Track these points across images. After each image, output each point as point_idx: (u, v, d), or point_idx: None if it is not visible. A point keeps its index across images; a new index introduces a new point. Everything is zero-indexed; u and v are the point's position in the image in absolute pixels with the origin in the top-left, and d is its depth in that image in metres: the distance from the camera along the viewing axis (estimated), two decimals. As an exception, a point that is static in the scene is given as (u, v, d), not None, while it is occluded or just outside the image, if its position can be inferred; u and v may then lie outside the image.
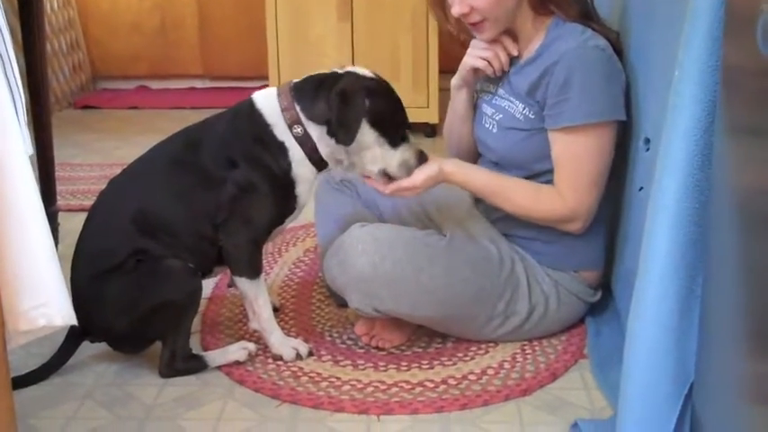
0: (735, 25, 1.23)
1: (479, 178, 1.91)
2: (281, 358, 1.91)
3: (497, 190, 1.90)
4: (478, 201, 2.07)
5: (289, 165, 1.84)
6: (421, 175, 1.86)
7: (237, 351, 1.91)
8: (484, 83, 2.05)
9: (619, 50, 1.90)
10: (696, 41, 1.34)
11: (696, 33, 1.34)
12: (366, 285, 1.84)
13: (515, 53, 1.94)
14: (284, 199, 1.86)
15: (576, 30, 1.85)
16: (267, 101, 1.86)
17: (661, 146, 1.44)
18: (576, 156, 1.84)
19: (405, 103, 1.92)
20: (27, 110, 1.67)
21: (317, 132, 1.84)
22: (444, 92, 3.89)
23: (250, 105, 1.87)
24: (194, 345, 1.96)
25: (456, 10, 1.88)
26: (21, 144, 1.27)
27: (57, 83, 4.47)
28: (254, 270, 1.88)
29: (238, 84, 4.79)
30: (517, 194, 1.89)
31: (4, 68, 1.35)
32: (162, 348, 1.86)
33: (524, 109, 1.90)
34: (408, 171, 1.86)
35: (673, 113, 1.39)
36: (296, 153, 1.84)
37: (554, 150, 1.87)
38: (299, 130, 1.83)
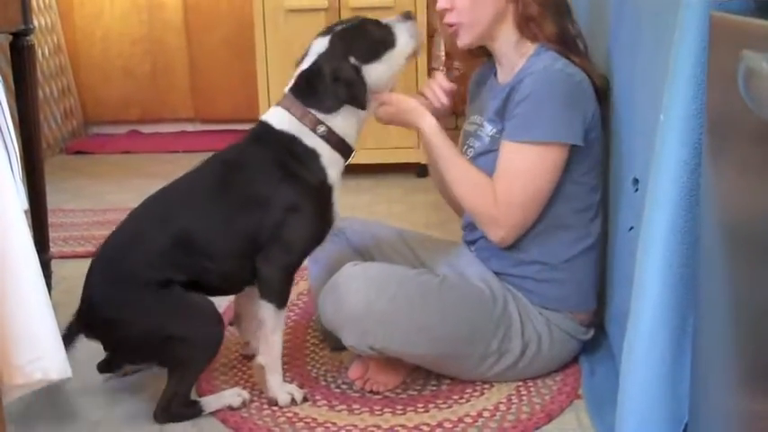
0: (717, 70, 1.26)
1: (442, 145, 1.94)
2: (275, 402, 1.91)
3: (449, 163, 1.94)
4: (470, 242, 2.09)
5: (323, 171, 1.88)
6: (400, 99, 1.94)
7: (232, 396, 1.91)
8: (471, 115, 2.10)
9: (602, 90, 1.94)
10: (680, 86, 1.36)
11: (680, 77, 1.37)
12: (360, 323, 1.84)
13: (447, 87, 2.03)
14: (325, 211, 1.90)
15: (551, 56, 1.90)
16: (281, 117, 1.90)
17: (648, 188, 1.46)
18: (516, 169, 1.88)
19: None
20: (19, 157, 1.69)
21: (337, 121, 1.88)
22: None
23: (267, 127, 1.91)
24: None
25: (439, 4, 1.96)
26: (16, 199, 1.28)
27: (48, 129, 4.49)
28: (283, 299, 1.90)
29: (229, 126, 4.82)
30: (462, 174, 1.93)
31: (-1, 124, 1.36)
32: (165, 388, 1.85)
33: (491, 129, 1.95)
34: (417, 33, 1.95)
35: (659, 157, 1.41)
36: (326, 154, 1.88)
37: (500, 158, 1.90)
38: (323, 129, 1.87)
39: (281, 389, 1.92)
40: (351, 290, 1.85)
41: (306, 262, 2.31)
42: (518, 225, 1.91)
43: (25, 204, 1.35)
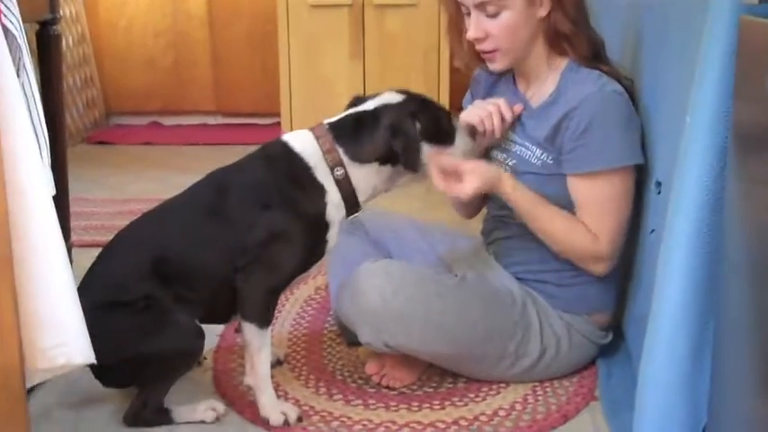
0: (745, 74, 1.25)
1: (528, 200, 1.87)
2: (267, 422, 1.81)
3: (539, 216, 1.87)
4: (489, 243, 2.09)
5: (325, 206, 1.80)
6: (481, 169, 1.83)
7: (205, 411, 1.84)
8: None
9: (632, 95, 1.91)
10: (707, 89, 1.36)
11: (707, 80, 1.37)
12: (377, 319, 1.85)
13: (509, 118, 1.92)
14: (315, 244, 1.82)
15: (593, 75, 1.86)
16: (305, 143, 1.82)
17: (673, 191, 1.46)
18: (601, 200, 1.85)
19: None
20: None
21: (361, 172, 1.82)
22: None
23: (285, 148, 1.83)
24: (206, 389, 1.97)
25: (471, 34, 1.88)
26: (44, 185, 1.29)
27: (70, 118, 4.52)
28: (265, 319, 1.81)
29: (250, 120, 4.84)
30: (555, 223, 1.87)
31: (30, 111, 1.37)
32: (136, 395, 1.81)
33: (542, 154, 1.90)
34: (473, 155, 1.89)
35: (684, 160, 1.41)
36: (334, 196, 1.81)
37: (577, 195, 1.87)
38: (340, 172, 1.80)
39: (273, 408, 1.82)
40: (368, 287, 1.85)
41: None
42: (616, 252, 1.89)
43: (53, 190, 1.36)
